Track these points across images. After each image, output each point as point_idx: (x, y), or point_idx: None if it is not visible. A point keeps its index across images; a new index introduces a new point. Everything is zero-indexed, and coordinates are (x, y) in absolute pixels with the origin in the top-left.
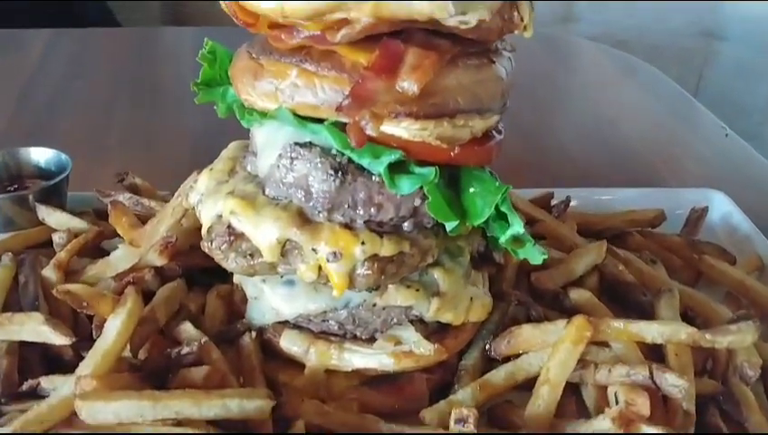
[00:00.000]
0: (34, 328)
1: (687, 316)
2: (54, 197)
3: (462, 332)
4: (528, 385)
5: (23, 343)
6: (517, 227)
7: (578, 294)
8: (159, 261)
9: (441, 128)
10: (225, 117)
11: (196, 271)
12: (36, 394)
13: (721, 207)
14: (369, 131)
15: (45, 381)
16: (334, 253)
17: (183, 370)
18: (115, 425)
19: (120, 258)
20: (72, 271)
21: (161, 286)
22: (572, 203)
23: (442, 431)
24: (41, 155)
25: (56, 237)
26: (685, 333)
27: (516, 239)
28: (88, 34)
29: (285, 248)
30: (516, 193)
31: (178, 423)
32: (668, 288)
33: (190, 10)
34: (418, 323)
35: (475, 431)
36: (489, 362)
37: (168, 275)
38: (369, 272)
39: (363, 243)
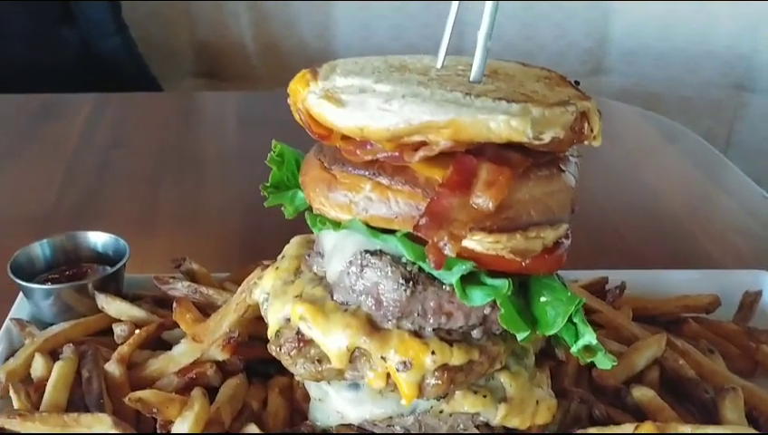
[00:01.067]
0: (103, 430)
1: (751, 416)
2: (113, 284)
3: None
4: None
5: None
6: (589, 338)
7: (641, 393)
8: (221, 356)
9: (514, 241)
10: (292, 218)
11: (255, 361)
12: None
13: None
14: (448, 252)
15: None
16: (404, 362)
17: None
18: None
19: (183, 353)
20: (133, 364)
21: (223, 381)
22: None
23: None
24: (98, 239)
25: (118, 330)
26: None
27: (588, 348)
28: (130, 99)
29: (354, 355)
30: (568, 275)
31: None
32: (732, 386)
33: (224, 62)
34: (485, 426)
35: None
36: None
37: (230, 369)
38: (439, 382)
39: (433, 353)
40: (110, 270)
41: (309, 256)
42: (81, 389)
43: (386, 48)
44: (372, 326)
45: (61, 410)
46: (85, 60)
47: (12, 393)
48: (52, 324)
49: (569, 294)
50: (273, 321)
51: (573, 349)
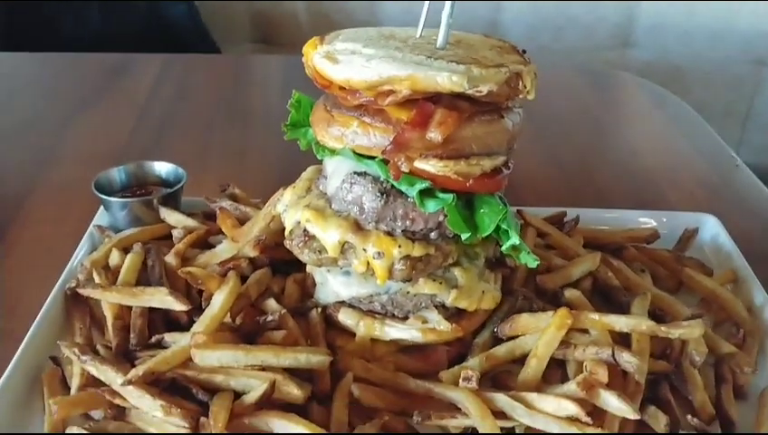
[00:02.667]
0: (161, 298)
1: (656, 314)
2: (172, 201)
3: (474, 316)
4: (523, 360)
5: (151, 309)
6: (514, 239)
7: (570, 293)
8: (252, 253)
9: (459, 166)
10: (305, 150)
11: (279, 262)
12: (161, 345)
13: (711, 229)
14: (403, 168)
15: (168, 337)
16: (378, 252)
17: (267, 332)
18: (218, 368)
19: (224, 250)
20: (186, 258)
21: (253, 272)
22: (584, 221)
23: (453, 387)
24: (162, 167)
25: (175, 233)
26: (645, 324)
27: (515, 248)
28: (192, 60)
29: (344, 248)
30: (536, 211)
31: (262, 369)
32: (643, 292)
33: (278, 30)
34: (441, 307)
35: (476, 387)
36: (496, 341)
37: (259, 264)
38: (404, 268)
39: (400, 246)
40: (171, 190)
41: (318, 179)
42: (146, 274)
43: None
44: (358, 227)
45: (131, 287)
46: (152, 25)
47: (95, 274)
48: (123, 229)
49: (500, 206)
50: (289, 223)
51: (503, 247)
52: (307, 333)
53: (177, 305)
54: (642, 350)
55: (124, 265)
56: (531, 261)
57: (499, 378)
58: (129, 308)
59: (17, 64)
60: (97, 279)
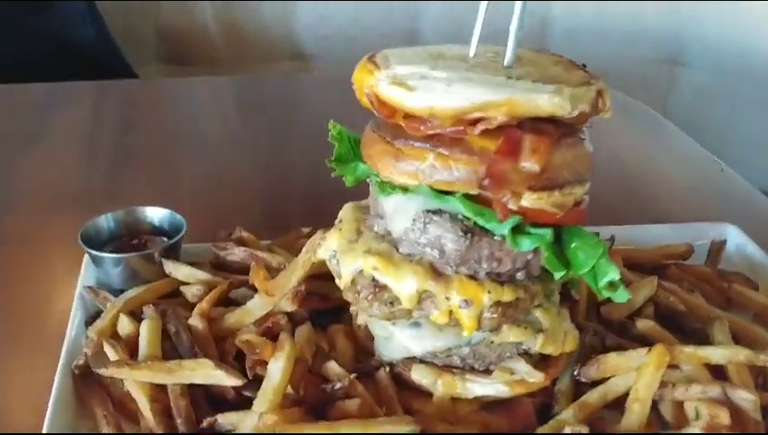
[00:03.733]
0: (206, 373)
1: (735, 339)
2: (173, 252)
3: (559, 361)
4: (615, 404)
5: (191, 386)
6: (613, 274)
7: (643, 324)
8: (290, 307)
9: (554, 197)
10: (352, 186)
11: (314, 313)
12: (214, 431)
13: (735, 238)
14: (512, 206)
15: (222, 418)
16: (466, 301)
17: (338, 403)
18: None
19: (257, 306)
20: (211, 319)
21: (292, 330)
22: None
23: None
24: (155, 213)
25: (193, 290)
26: (743, 354)
27: (611, 284)
28: (128, 86)
29: (421, 297)
30: None
31: None
32: (717, 316)
33: (188, 48)
34: (525, 355)
35: None
36: (578, 386)
37: (297, 319)
38: (495, 315)
39: (489, 291)
40: (170, 241)
41: (366, 218)
42: (169, 343)
43: (346, 30)
44: (436, 273)
45: (161, 361)
46: (61, 49)
47: (107, 348)
48: (119, 289)
49: (595, 240)
50: (347, 272)
51: (600, 284)
52: (377, 398)
53: (229, 380)
54: (746, 383)
55: (143, 335)
56: (624, 296)
57: (597, 426)
58: (162, 387)
59: None
60: (112, 354)
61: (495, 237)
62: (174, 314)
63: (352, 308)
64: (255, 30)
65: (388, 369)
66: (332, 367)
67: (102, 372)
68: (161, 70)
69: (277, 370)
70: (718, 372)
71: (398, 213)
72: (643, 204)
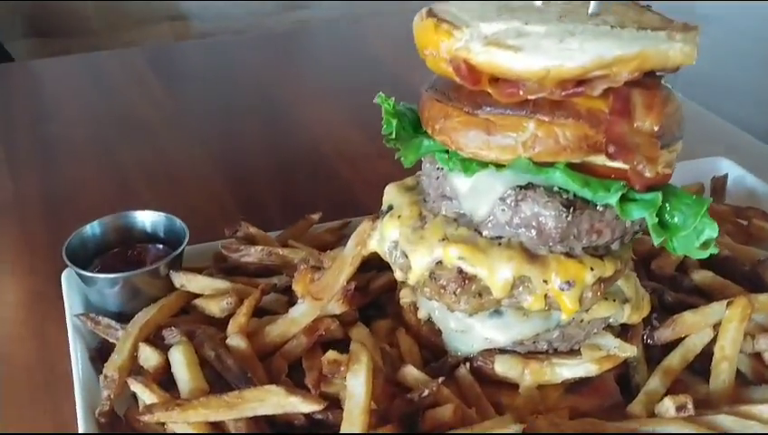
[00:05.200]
0: (279, 401)
1: None
2: (178, 262)
3: (637, 328)
4: (695, 365)
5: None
6: (711, 232)
7: (701, 276)
8: (339, 309)
9: (667, 156)
10: (411, 166)
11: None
12: None
13: (732, 172)
14: (648, 173)
15: None
16: (568, 282)
17: (429, 411)
18: None
19: (304, 314)
20: (249, 334)
21: (344, 333)
22: None
23: (666, 421)
24: (148, 218)
25: (222, 304)
26: None
27: (705, 243)
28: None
29: (515, 284)
30: None
31: None
32: (765, 257)
33: (57, 21)
34: (608, 328)
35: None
36: (648, 349)
37: (347, 320)
38: (593, 293)
39: (592, 268)
40: (177, 252)
41: (425, 201)
42: (209, 370)
43: None
44: (529, 255)
45: (206, 393)
46: None
47: (138, 387)
48: (115, 311)
49: (693, 198)
50: (420, 265)
51: (696, 244)
52: (461, 397)
53: (307, 406)
54: None
55: (178, 366)
56: (715, 250)
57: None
58: (217, 424)
59: None
60: (147, 396)
61: (598, 208)
62: (206, 336)
63: (404, 301)
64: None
65: (468, 365)
66: (411, 372)
67: (147, 419)
68: (31, 45)
69: (359, 385)
70: None
71: (479, 192)
72: None
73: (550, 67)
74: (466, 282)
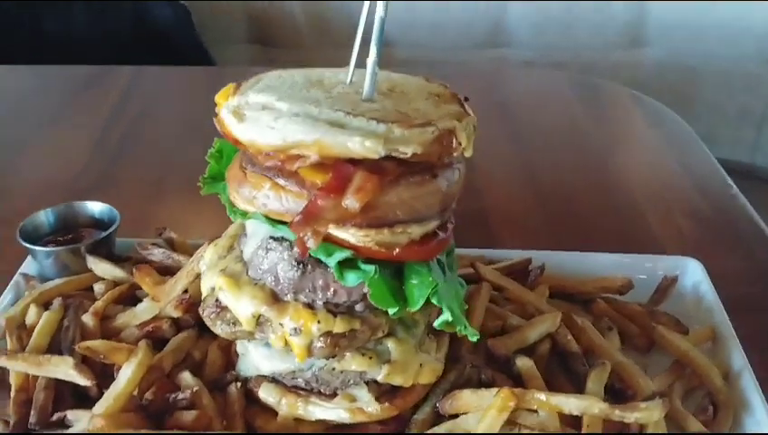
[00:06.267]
0: (65, 370)
1: (614, 389)
2: (104, 247)
3: (411, 393)
4: None
5: (60, 381)
6: (446, 315)
7: (521, 362)
8: (176, 313)
9: (381, 235)
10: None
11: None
12: (64, 424)
13: (694, 275)
14: (311, 245)
15: (71, 414)
16: (295, 328)
17: (177, 412)
18: None
19: (144, 311)
20: (106, 316)
21: (176, 334)
22: (555, 264)
23: None
24: (95, 207)
25: (96, 287)
26: (597, 407)
27: (449, 324)
28: (164, 72)
29: (260, 321)
30: (501, 254)
31: None
32: (602, 362)
33: (274, 31)
34: (373, 383)
35: None
36: (439, 418)
37: (184, 325)
38: (323, 345)
39: (319, 321)
40: (100, 237)
41: (240, 238)
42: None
43: (431, 17)
44: (275, 298)
45: (41, 352)
46: (139, 27)
47: (7, 336)
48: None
49: (430, 278)
50: (204, 289)
51: (436, 324)
52: (224, 412)
53: (82, 380)
54: None
55: (38, 326)
56: (471, 335)
57: None
58: (36, 379)
59: None
60: (9, 343)
61: (330, 269)
62: (74, 309)
63: None
64: (341, 15)
65: (239, 385)
66: (185, 377)
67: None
68: (244, 50)
69: (125, 376)
70: (576, 422)
71: (252, 236)
72: (627, 223)
73: (253, 140)
74: (220, 310)
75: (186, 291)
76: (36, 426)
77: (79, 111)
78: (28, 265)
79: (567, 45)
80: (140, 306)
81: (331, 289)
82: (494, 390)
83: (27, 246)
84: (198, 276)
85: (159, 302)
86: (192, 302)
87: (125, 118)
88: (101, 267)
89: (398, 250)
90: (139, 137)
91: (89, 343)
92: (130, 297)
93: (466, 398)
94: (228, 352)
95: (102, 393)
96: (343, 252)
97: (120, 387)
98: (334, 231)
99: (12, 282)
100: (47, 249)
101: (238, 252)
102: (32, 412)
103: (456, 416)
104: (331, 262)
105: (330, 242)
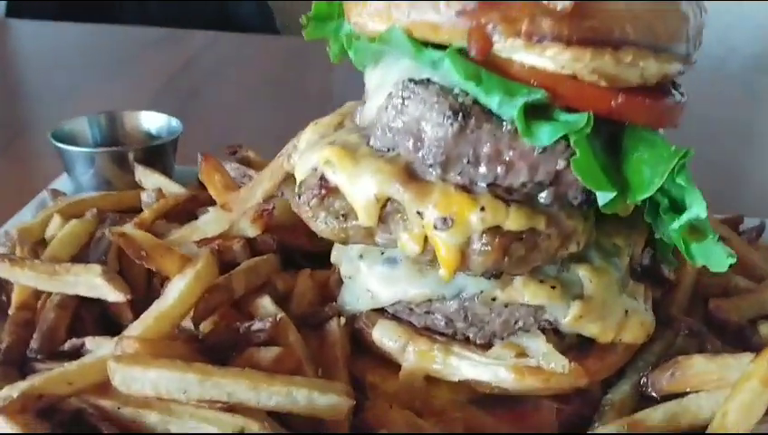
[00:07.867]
0: (89, 281)
1: None
2: (158, 160)
3: (610, 354)
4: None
5: (82, 301)
6: (697, 209)
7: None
8: (252, 231)
9: (600, 60)
10: (338, 62)
11: (298, 253)
12: (79, 354)
13: None
14: (497, 37)
15: (90, 342)
16: (444, 219)
17: (251, 348)
18: (153, 399)
19: (209, 223)
20: (155, 233)
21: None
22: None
23: None
24: (151, 119)
25: (144, 196)
26: None
27: (694, 228)
28: (246, 39)
29: (386, 211)
30: None
31: (230, 408)
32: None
33: None
34: (552, 332)
35: None
36: (643, 401)
37: (261, 248)
38: (488, 248)
39: (483, 209)
40: (154, 144)
41: (356, 111)
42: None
43: None
44: (410, 175)
45: (55, 262)
46: (219, 21)
47: (18, 246)
48: None
49: (672, 149)
50: (301, 172)
51: (675, 225)
52: (320, 359)
53: (111, 293)
54: None
55: (59, 234)
56: (722, 257)
57: None
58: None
59: (64, 34)
60: (18, 252)
61: (506, 126)
62: (111, 222)
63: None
64: None
65: (343, 320)
66: (264, 304)
67: None
68: None
69: (176, 290)
70: None
71: (379, 88)
72: None
73: None
74: (325, 192)
75: (269, 201)
76: (37, 354)
77: (150, 66)
78: (62, 182)
79: None
80: (205, 218)
81: (505, 160)
82: (746, 356)
83: (60, 146)
84: (289, 177)
85: (231, 212)
86: (280, 219)
87: (196, 74)
88: (154, 180)
89: (621, 97)
90: (206, 93)
91: (127, 229)
92: (187, 214)
93: (700, 367)
94: (324, 285)
95: None
96: (533, 92)
97: (166, 305)
98: (522, 53)
99: (36, 198)
100: (86, 150)
101: (352, 125)
102: (34, 336)
103: (674, 397)
104: (513, 107)
105: (508, 77)
